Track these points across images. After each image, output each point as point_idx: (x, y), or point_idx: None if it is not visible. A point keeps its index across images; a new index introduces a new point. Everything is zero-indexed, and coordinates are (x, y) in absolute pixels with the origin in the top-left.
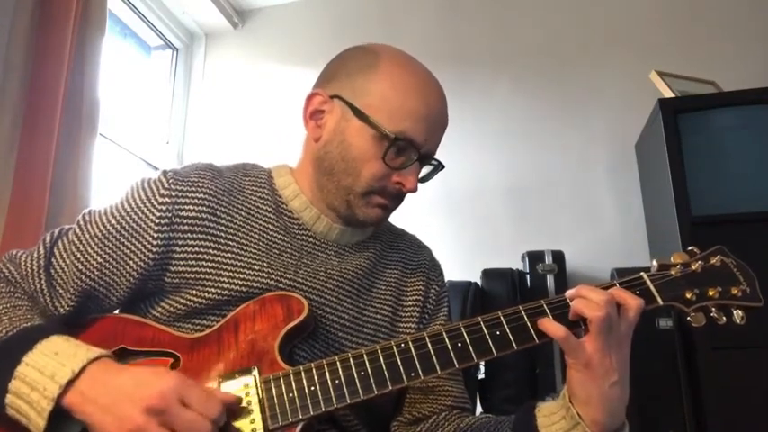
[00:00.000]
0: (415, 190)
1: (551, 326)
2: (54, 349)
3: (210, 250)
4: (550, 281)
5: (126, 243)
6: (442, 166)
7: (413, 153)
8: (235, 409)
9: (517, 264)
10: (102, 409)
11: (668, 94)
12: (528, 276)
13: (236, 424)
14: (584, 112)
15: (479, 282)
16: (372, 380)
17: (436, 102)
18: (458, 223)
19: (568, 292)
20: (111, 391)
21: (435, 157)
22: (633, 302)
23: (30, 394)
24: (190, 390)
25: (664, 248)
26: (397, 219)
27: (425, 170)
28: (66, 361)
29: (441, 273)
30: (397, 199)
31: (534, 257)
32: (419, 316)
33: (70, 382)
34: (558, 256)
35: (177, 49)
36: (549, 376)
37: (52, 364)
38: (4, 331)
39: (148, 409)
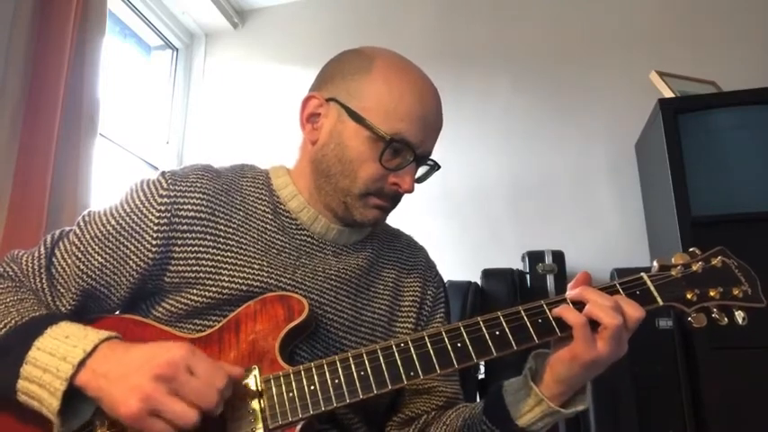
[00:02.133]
0: (411, 191)
1: (570, 313)
2: (64, 333)
3: (210, 250)
4: (550, 281)
5: (126, 243)
6: (438, 167)
7: (409, 154)
8: (237, 402)
9: (517, 264)
10: (112, 382)
11: (668, 94)
12: (528, 276)
13: (237, 423)
14: (584, 112)
15: (479, 281)
16: (372, 380)
17: (431, 103)
18: (458, 223)
19: (570, 294)
20: (122, 365)
21: (431, 157)
22: (635, 314)
23: (42, 377)
24: (197, 360)
25: (664, 248)
26: (398, 218)
27: (422, 170)
28: (78, 342)
29: (437, 273)
30: (394, 200)
31: (534, 257)
32: (416, 317)
33: (82, 362)
34: (558, 256)
35: (177, 49)
36: None
37: (63, 346)
38: (13, 321)
39: (157, 377)
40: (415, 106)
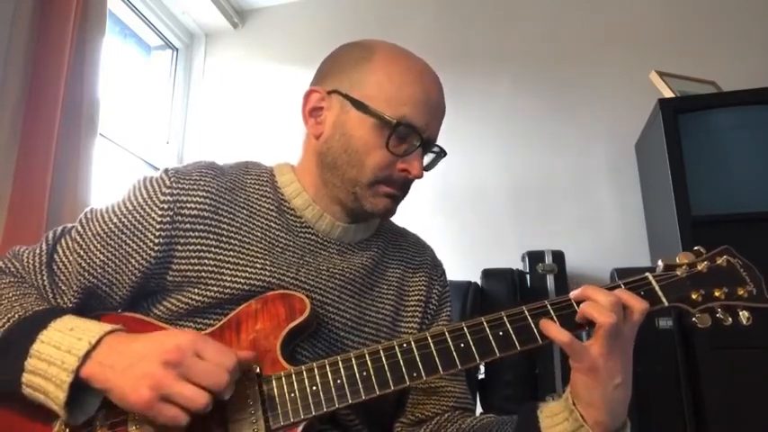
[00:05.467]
0: (420, 176)
1: (555, 330)
2: (68, 326)
3: (212, 248)
4: (550, 281)
5: (128, 241)
6: (445, 153)
7: (415, 138)
8: (238, 403)
9: (517, 264)
10: (120, 373)
11: (668, 94)
12: (528, 276)
13: (237, 423)
14: (584, 112)
15: (479, 281)
16: (374, 380)
17: (433, 88)
18: (458, 223)
19: (573, 293)
20: (128, 355)
21: (437, 143)
22: (638, 306)
23: (48, 369)
24: (205, 343)
25: (664, 248)
26: (399, 218)
27: (428, 158)
28: (83, 335)
29: (443, 273)
30: (403, 187)
31: (534, 257)
32: (421, 316)
33: (87, 354)
34: (558, 256)
35: (177, 49)
36: (549, 376)
37: (68, 339)
38: (16, 315)
39: (165, 362)
40: (418, 90)
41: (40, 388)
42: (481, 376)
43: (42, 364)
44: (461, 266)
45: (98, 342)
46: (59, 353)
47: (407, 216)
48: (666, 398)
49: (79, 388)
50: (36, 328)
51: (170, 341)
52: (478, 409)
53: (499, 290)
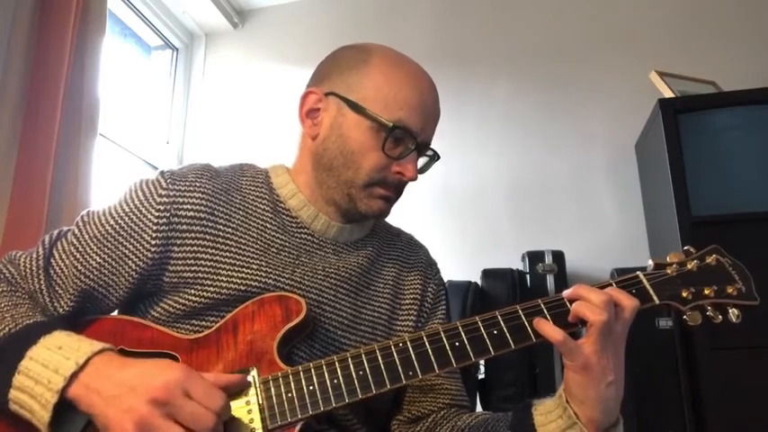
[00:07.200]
0: (415, 178)
1: (548, 328)
2: (57, 344)
3: (209, 249)
4: (550, 281)
5: (125, 243)
6: (438, 157)
7: (410, 142)
8: (233, 408)
9: (517, 264)
10: (106, 401)
11: (668, 94)
12: (528, 276)
13: (236, 424)
14: (584, 113)
15: (479, 281)
16: (371, 380)
17: (429, 92)
18: (458, 223)
19: (566, 292)
20: (116, 383)
21: (431, 147)
22: (629, 304)
23: (34, 388)
24: (194, 382)
25: (664, 248)
26: (399, 218)
27: (422, 161)
28: (71, 354)
29: (437, 271)
30: (397, 189)
31: (534, 257)
32: (417, 314)
33: (74, 375)
34: (558, 256)
35: (177, 49)
36: (549, 375)
37: (56, 357)
38: (6, 328)
39: (152, 400)
40: (414, 95)
41: (26, 405)
42: (481, 376)
43: (29, 382)
44: (461, 266)
45: (86, 363)
46: (47, 371)
47: (408, 216)
48: (666, 398)
49: (65, 407)
50: (25, 344)
51: (159, 377)
52: (478, 409)
53: (499, 290)
